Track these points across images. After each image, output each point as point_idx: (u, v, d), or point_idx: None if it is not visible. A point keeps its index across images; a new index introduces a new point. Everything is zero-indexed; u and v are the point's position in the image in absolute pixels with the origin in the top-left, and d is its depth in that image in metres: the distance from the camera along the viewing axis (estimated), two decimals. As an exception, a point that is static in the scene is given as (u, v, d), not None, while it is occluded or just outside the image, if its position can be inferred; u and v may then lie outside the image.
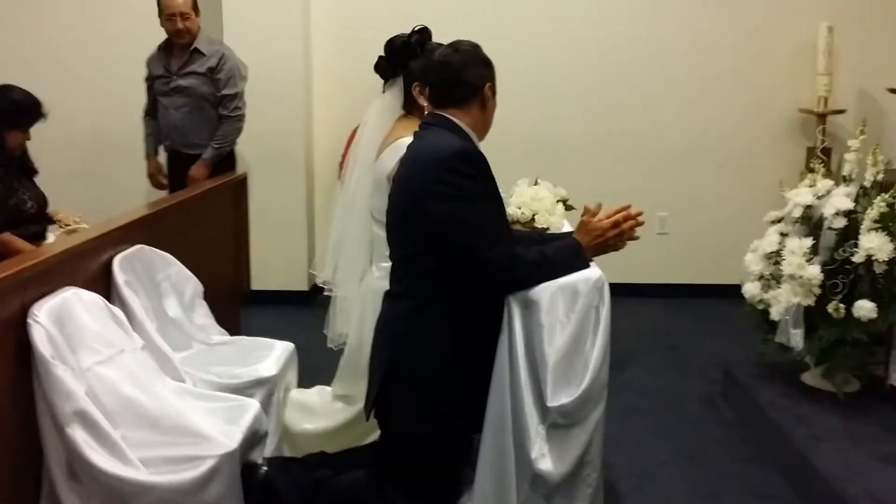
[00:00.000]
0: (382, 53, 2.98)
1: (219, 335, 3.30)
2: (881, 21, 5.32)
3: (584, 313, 2.31)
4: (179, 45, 4.58)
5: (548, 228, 2.95)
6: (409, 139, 2.59)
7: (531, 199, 2.96)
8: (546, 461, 2.29)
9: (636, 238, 2.48)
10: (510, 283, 2.34)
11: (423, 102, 2.73)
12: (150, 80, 4.72)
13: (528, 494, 2.31)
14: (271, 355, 3.09)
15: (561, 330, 2.29)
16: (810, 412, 3.31)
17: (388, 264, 2.64)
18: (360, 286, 3.01)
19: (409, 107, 2.87)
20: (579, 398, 2.28)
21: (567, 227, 2.97)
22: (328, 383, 3.33)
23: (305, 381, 3.35)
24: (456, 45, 2.48)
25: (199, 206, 3.87)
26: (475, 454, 2.48)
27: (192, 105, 4.60)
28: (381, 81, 5.24)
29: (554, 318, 2.29)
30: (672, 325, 4.86)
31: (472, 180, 2.32)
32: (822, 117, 5.30)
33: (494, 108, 2.52)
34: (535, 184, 3.09)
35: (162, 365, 2.71)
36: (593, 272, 2.35)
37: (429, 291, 2.42)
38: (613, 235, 2.42)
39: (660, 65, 5.43)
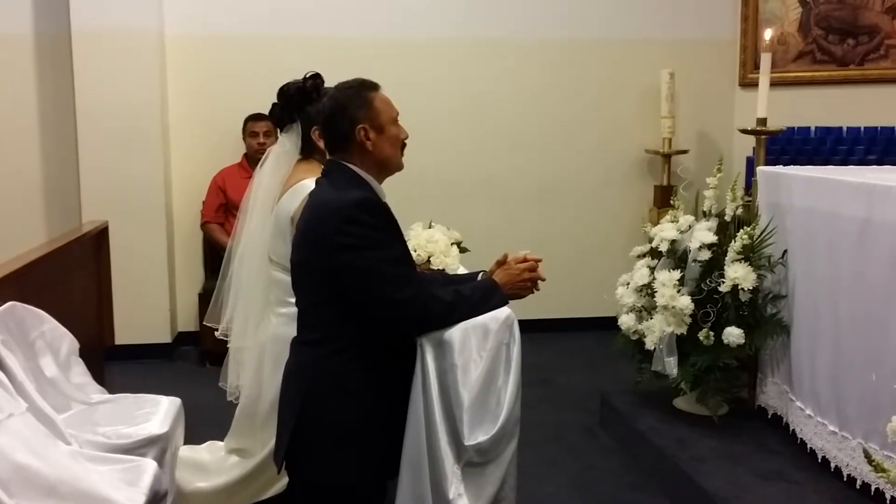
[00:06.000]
0: (276, 100, 2.91)
1: (98, 393, 3.14)
2: (716, 67, 5.77)
3: (496, 351, 2.36)
4: None
5: (444, 270, 2.99)
6: (309, 181, 2.56)
7: (426, 241, 3.00)
8: (463, 500, 2.30)
9: (538, 289, 2.54)
10: (427, 322, 2.33)
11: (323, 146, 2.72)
12: None
13: (446, 535, 2.32)
14: (159, 411, 2.97)
15: (474, 368, 2.33)
16: (689, 435, 3.49)
17: (289, 310, 2.59)
18: (256, 335, 2.93)
19: (310, 151, 2.84)
20: (495, 435, 2.31)
21: (462, 270, 3.02)
22: (205, 439, 3.22)
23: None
24: (334, 89, 2.43)
25: (63, 259, 3.68)
26: (390, 499, 2.46)
27: None
28: (239, 125, 5.25)
29: (467, 356, 2.32)
30: (542, 359, 4.98)
31: (371, 229, 2.30)
32: (666, 157, 5.67)
33: (392, 144, 2.39)
34: (430, 227, 3.13)
35: (47, 428, 2.54)
36: (502, 310, 2.40)
37: (340, 337, 2.38)
38: (528, 278, 2.48)
39: (520, 113, 5.66)
